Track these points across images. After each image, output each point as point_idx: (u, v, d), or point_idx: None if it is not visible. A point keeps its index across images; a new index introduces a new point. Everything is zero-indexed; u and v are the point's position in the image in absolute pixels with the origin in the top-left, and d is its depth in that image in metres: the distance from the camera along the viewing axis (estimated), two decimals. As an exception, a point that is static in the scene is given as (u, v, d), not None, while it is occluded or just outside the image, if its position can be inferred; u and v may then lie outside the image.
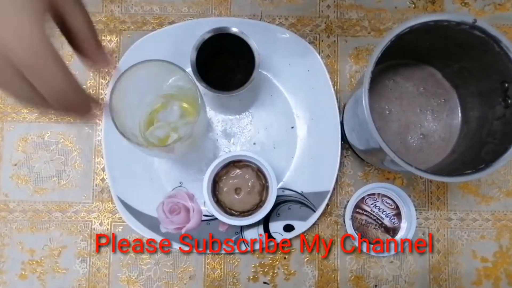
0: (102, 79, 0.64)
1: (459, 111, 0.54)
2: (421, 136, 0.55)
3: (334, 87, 0.63)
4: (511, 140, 0.42)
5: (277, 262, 0.62)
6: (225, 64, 0.60)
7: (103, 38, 0.65)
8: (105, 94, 0.63)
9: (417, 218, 0.61)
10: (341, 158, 0.62)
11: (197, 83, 0.53)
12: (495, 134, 0.46)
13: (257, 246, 0.60)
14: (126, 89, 0.47)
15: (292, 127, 0.63)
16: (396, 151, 0.48)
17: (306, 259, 0.62)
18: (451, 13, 0.43)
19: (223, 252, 0.60)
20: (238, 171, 0.58)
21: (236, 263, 0.62)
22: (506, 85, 0.44)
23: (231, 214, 0.58)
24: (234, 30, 0.55)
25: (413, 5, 0.66)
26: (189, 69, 0.55)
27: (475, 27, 0.43)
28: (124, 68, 0.46)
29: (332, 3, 0.66)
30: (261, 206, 0.58)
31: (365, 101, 0.42)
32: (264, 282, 0.62)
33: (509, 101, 0.44)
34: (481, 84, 0.49)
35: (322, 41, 0.65)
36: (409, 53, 0.52)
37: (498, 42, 0.42)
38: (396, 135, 0.55)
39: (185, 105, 0.58)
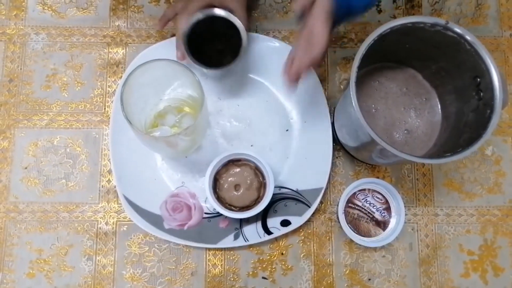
0: (108, 88, 0.69)
1: (439, 108, 0.60)
2: (405, 131, 0.60)
3: (325, 93, 0.68)
4: (484, 128, 0.47)
5: (275, 258, 0.65)
6: (215, 48, 0.65)
7: (110, 50, 0.70)
8: (112, 102, 0.68)
9: (406, 214, 0.65)
10: (333, 158, 0.66)
11: (192, 62, 0.58)
12: (471, 124, 0.51)
13: (255, 241, 0.63)
14: (134, 87, 0.52)
15: (287, 130, 0.67)
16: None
17: (302, 255, 0.65)
18: (426, 16, 0.49)
19: (223, 246, 0.63)
20: (237, 169, 0.62)
21: (236, 259, 0.65)
22: (478, 79, 0.49)
23: (231, 210, 0.62)
24: (222, 12, 0.60)
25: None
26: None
27: (447, 28, 0.48)
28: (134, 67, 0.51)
29: (321, 17, 0.72)
30: (259, 202, 0.61)
31: (352, 92, 0.47)
32: (263, 277, 0.65)
33: (481, 93, 0.49)
34: (456, 81, 0.54)
35: (313, 51, 0.71)
36: (392, 56, 0.58)
37: (468, 40, 0.48)
38: (382, 131, 0.59)
39: (186, 109, 0.63)
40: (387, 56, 0.58)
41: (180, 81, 0.60)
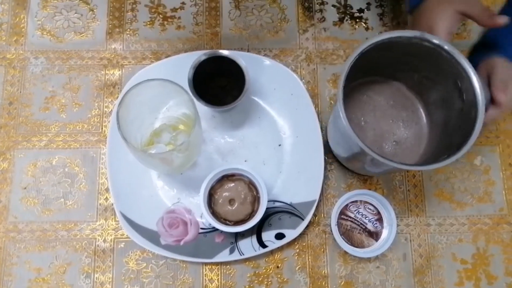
0: (105, 108, 0.71)
1: (426, 118, 0.62)
2: (394, 143, 0.62)
3: (316, 109, 0.70)
4: (472, 127, 0.49)
5: (271, 271, 0.66)
6: (218, 85, 0.68)
7: (106, 72, 0.72)
8: (109, 122, 0.70)
9: (398, 225, 0.67)
10: (325, 171, 0.68)
11: (195, 100, 0.60)
12: (458, 129, 0.52)
13: (251, 254, 0.64)
14: (130, 106, 0.54)
15: (280, 145, 0.69)
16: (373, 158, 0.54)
17: (298, 267, 0.66)
18: (402, 30, 0.51)
19: (219, 260, 0.64)
20: (231, 184, 0.64)
21: (232, 273, 0.66)
22: (459, 83, 0.51)
23: (226, 224, 0.63)
24: (225, 52, 0.63)
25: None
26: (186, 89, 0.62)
27: (424, 39, 0.50)
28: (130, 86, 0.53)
29: (310, 36, 0.75)
30: (254, 216, 0.63)
31: (340, 106, 0.49)
32: (259, 291, 0.66)
33: (464, 96, 0.51)
34: (439, 88, 0.56)
35: (303, 69, 0.73)
36: (377, 70, 0.60)
37: (445, 49, 0.50)
38: (372, 143, 0.61)
39: (181, 127, 0.65)
40: (373, 71, 0.60)
41: (175, 100, 0.62)
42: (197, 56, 0.63)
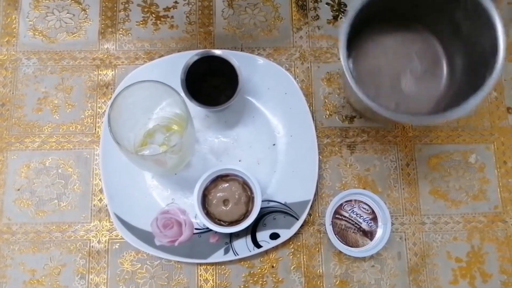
0: (99, 109, 0.71)
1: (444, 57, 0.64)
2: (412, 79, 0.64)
3: (310, 108, 0.69)
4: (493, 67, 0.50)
5: (266, 271, 0.66)
6: (211, 84, 0.67)
7: (99, 72, 0.72)
8: (102, 122, 0.69)
9: (393, 224, 0.67)
10: (319, 171, 0.68)
11: (188, 101, 0.60)
12: (477, 71, 0.54)
13: (245, 254, 0.64)
14: (122, 107, 0.54)
15: (274, 144, 0.69)
16: (396, 102, 0.55)
17: (293, 267, 0.66)
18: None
19: (214, 260, 0.64)
20: (225, 184, 0.64)
21: (227, 273, 0.66)
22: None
23: (221, 225, 0.63)
24: (218, 52, 0.62)
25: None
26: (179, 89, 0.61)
27: None
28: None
29: (304, 34, 0.74)
30: (248, 216, 0.62)
31: (343, 54, 0.50)
32: (254, 291, 0.66)
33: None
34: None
35: (297, 67, 0.73)
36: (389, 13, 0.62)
37: None
38: (389, 87, 0.64)
39: (174, 127, 0.65)
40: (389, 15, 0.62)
41: (167, 100, 0.61)
42: (190, 55, 0.63)
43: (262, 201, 0.63)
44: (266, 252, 0.66)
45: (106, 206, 0.66)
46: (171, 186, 0.67)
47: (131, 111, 0.58)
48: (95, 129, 0.70)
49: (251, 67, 0.69)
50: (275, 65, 0.70)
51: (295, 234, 0.65)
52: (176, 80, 0.61)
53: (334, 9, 0.76)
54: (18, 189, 0.67)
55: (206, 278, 0.66)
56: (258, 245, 0.64)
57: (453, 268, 0.67)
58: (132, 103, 0.56)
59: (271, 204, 0.66)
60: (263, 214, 0.66)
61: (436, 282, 0.67)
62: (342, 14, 0.76)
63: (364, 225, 0.65)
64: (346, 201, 0.66)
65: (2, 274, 0.65)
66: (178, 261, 0.65)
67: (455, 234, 0.68)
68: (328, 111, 0.71)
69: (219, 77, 0.67)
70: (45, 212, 0.67)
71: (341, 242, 0.64)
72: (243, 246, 0.64)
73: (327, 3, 0.76)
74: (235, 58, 0.63)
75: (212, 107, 0.63)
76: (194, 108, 0.69)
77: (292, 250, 0.67)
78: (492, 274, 0.67)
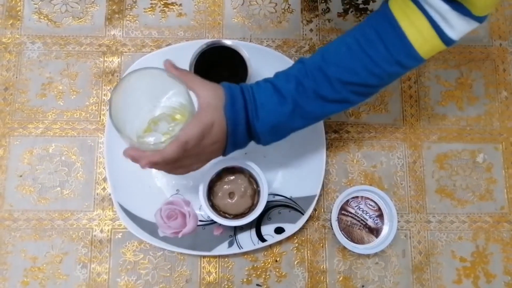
0: (104, 96, 0.69)
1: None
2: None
3: (318, 102, 0.68)
4: None
5: (269, 265, 0.66)
6: (219, 75, 0.66)
7: (105, 59, 0.70)
8: (106, 110, 0.68)
9: (398, 221, 0.66)
10: (326, 166, 0.67)
11: None
12: None
13: (250, 248, 0.63)
14: (127, 92, 0.52)
15: (281, 138, 0.68)
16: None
17: (296, 262, 0.66)
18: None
19: (217, 253, 0.64)
20: (231, 177, 0.63)
21: (230, 266, 0.65)
22: None
23: (225, 218, 0.62)
24: (228, 42, 0.61)
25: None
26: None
27: None
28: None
29: (314, 27, 0.73)
30: (253, 209, 0.62)
31: None
32: (257, 285, 0.65)
33: None
34: None
35: (306, 60, 0.72)
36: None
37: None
38: None
39: (178, 117, 0.63)
40: None
41: (174, 90, 0.60)
42: (198, 45, 0.62)
43: (268, 195, 0.62)
44: (270, 246, 0.66)
45: (110, 195, 0.65)
46: (176, 176, 0.66)
47: (136, 97, 0.56)
48: (100, 116, 0.69)
49: (260, 59, 0.68)
50: (284, 57, 0.68)
51: (299, 229, 0.65)
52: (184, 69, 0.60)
53: (345, 2, 0.74)
54: (21, 176, 0.66)
55: (209, 270, 0.65)
56: (262, 239, 0.64)
57: (457, 268, 0.67)
58: (138, 88, 0.54)
59: (277, 198, 0.66)
60: (268, 208, 0.65)
61: (440, 281, 0.66)
62: (353, 7, 0.74)
63: (370, 222, 0.65)
64: (353, 198, 0.65)
65: (3, 261, 0.64)
66: (181, 253, 0.65)
67: (460, 233, 0.68)
68: (336, 106, 0.70)
69: (227, 68, 0.66)
70: (47, 199, 0.66)
71: (347, 238, 0.64)
72: (248, 240, 0.64)
73: (339, -4, 0.75)
74: (244, 49, 0.62)
75: None
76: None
77: (296, 245, 0.66)
78: (496, 275, 0.67)
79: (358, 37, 0.50)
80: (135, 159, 0.49)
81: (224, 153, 0.54)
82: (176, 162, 0.49)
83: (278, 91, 0.50)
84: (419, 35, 0.47)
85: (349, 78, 0.50)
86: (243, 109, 0.50)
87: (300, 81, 0.50)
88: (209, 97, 0.49)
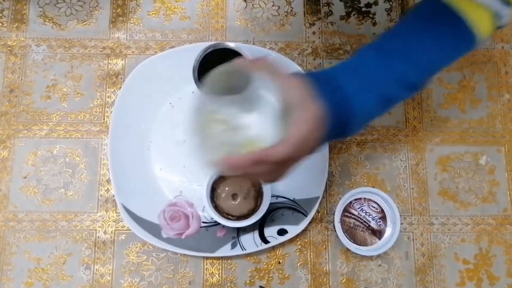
0: (108, 98, 0.70)
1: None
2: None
3: (321, 104, 0.69)
4: None
5: (272, 267, 0.66)
6: None
7: (109, 61, 0.71)
8: (110, 112, 0.68)
9: (401, 224, 0.66)
10: (329, 168, 0.67)
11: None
12: None
13: (253, 249, 0.64)
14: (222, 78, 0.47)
15: (284, 140, 0.68)
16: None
17: (299, 264, 0.66)
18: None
19: (220, 255, 0.64)
20: (234, 178, 0.63)
21: (233, 268, 0.65)
22: None
23: (228, 219, 0.62)
24: (232, 45, 0.61)
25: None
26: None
27: None
28: None
29: (317, 30, 0.74)
30: (256, 211, 0.62)
31: None
32: (260, 286, 0.65)
33: None
34: None
35: (309, 63, 0.72)
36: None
37: None
38: None
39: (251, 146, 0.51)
40: None
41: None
42: (202, 47, 0.62)
43: (271, 196, 0.62)
44: (273, 248, 0.66)
45: (113, 196, 0.65)
46: (179, 178, 0.66)
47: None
48: (104, 118, 0.69)
49: (263, 61, 0.68)
50: (287, 60, 0.69)
51: (302, 230, 0.65)
52: (186, 72, 0.61)
53: (348, 5, 0.75)
54: (25, 177, 0.67)
55: (212, 272, 0.65)
56: (265, 241, 0.64)
57: (460, 270, 0.67)
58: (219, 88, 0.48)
59: (280, 199, 0.66)
60: (272, 209, 0.65)
61: (443, 283, 0.66)
62: (355, 10, 0.75)
63: (373, 224, 0.65)
64: (356, 199, 0.65)
65: (7, 261, 0.64)
66: (185, 254, 0.65)
67: (463, 235, 0.68)
68: (339, 108, 0.71)
69: None
70: (51, 200, 0.66)
71: (350, 240, 0.64)
72: (251, 241, 0.64)
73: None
74: (247, 51, 0.63)
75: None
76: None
77: (299, 246, 0.66)
78: (500, 277, 0.66)
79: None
80: (235, 164, 0.44)
81: (317, 149, 0.47)
82: (282, 166, 0.45)
83: (362, 74, 0.47)
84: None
85: (429, 63, 0.50)
86: (334, 95, 0.45)
87: (384, 66, 0.47)
88: (299, 88, 0.44)
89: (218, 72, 0.46)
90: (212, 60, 0.63)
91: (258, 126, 0.50)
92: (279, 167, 0.45)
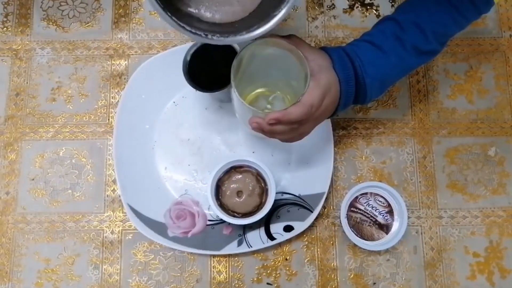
0: (112, 99, 0.70)
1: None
2: None
3: (325, 99, 0.68)
4: None
5: (279, 264, 0.66)
6: (219, 72, 0.65)
7: (113, 62, 0.71)
8: (115, 113, 0.69)
9: (409, 218, 0.65)
10: (334, 163, 0.66)
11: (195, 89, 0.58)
12: None
13: (259, 247, 0.63)
14: (255, 58, 0.53)
15: (288, 136, 0.68)
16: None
17: (306, 260, 0.66)
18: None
19: (227, 252, 0.64)
20: (239, 175, 0.63)
21: (240, 265, 0.65)
22: None
23: (234, 217, 0.62)
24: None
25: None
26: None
27: None
28: None
29: (320, 24, 0.73)
30: (262, 208, 0.62)
31: None
32: (268, 283, 0.65)
33: None
34: None
35: (312, 58, 0.71)
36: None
37: None
38: None
39: (288, 97, 0.59)
40: None
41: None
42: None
43: (276, 193, 0.62)
44: (280, 244, 0.66)
45: (120, 196, 0.66)
46: (184, 176, 0.67)
47: (257, 65, 0.56)
48: (109, 119, 0.70)
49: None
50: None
51: (309, 226, 0.65)
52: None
53: (351, -2, 0.74)
54: (33, 179, 0.68)
55: (219, 270, 0.65)
56: (271, 237, 0.64)
57: (471, 263, 0.66)
58: (262, 56, 0.55)
59: (285, 196, 0.66)
60: (277, 206, 0.65)
61: (453, 277, 0.65)
62: (359, 3, 0.74)
63: (379, 218, 0.64)
64: (362, 194, 0.65)
65: (17, 263, 0.65)
66: (191, 253, 0.65)
67: (473, 228, 0.67)
68: (343, 102, 0.70)
69: (227, 65, 0.65)
70: (59, 202, 0.67)
71: (357, 235, 0.63)
72: (257, 238, 0.64)
73: (344, -8, 0.74)
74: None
75: (210, 91, 0.60)
76: (206, 99, 0.69)
77: (306, 243, 0.66)
78: (511, 270, 0.65)
79: None
80: (259, 124, 0.50)
81: (334, 114, 0.55)
82: (299, 125, 0.51)
83: (379, 47, 0.53)
84: None
85: (441, 30, 0.54)
86: (351, 67, 0.52)
87: (398, 36, 0.53)
88: (319, 59, 0.51)
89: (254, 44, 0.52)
90: (214, 56, 0.62)
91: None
92: (296, 126, 0.51)
